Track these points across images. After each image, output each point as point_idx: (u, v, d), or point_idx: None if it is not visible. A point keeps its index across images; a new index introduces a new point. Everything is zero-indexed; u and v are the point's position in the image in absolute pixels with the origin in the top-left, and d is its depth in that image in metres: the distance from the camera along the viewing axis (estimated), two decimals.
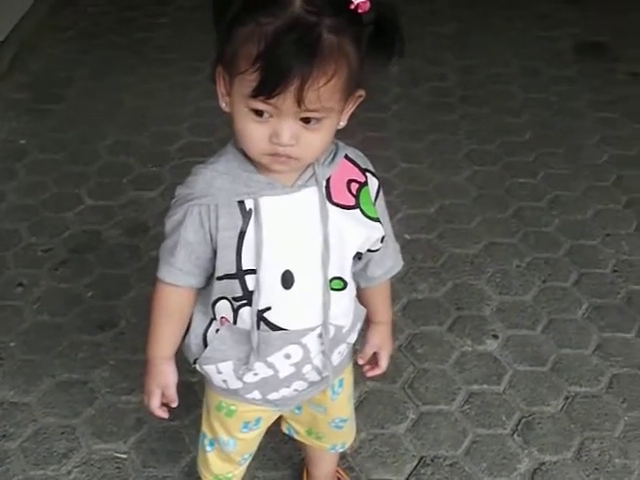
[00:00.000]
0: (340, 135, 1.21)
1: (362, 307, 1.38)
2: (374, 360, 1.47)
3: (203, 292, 1.30)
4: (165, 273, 1.26)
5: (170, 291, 1.28)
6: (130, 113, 3.23)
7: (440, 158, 2.98)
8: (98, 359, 2.10)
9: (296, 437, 1.60)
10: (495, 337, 2.19)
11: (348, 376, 1.49)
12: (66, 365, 2.09)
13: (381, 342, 1.46)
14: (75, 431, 1.92)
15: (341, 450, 1.65)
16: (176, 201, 1.22)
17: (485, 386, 2.04)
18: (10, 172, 2.86)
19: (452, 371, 2.08)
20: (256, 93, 1.06)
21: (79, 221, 2.62)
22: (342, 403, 1.50)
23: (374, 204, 1.28)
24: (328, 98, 1.08)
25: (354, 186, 1.24)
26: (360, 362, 1.48)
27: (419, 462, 1.85)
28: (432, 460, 1.86)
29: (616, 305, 2.30)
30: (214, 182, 1.19)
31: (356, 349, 1.47)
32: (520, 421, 1.95)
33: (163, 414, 1.38)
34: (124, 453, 1.87)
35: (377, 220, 1.26)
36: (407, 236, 2.56)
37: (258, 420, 1.43)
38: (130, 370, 2.06)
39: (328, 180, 1.22)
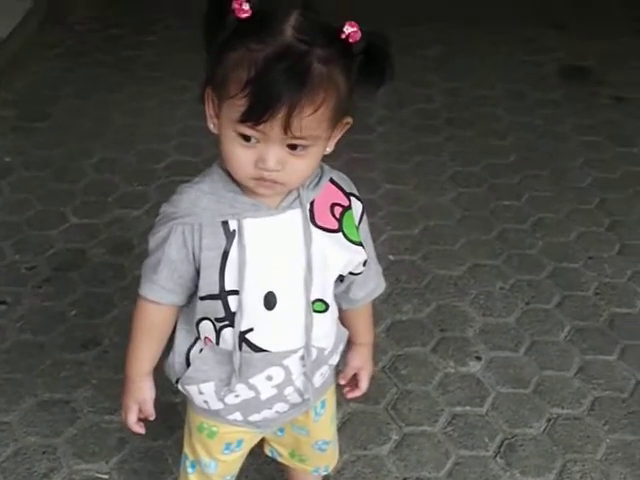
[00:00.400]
0: (325, 156, 1.22)
1: (344, 329, 1.38)
2: (354, 381, 1.48)
3: (187, 310, 1.30)
4: (147, 290, 1.26)
5: (152, 308, 1.28)
6: (117, 131, 3.24)
7: (425, 179, 3.00)
8: (81, 378, 2.09)
9: (279, 459, 1.60)
10: (478, 359, 2.19)
11: (331, 397, 1.49)
12: (48, 384, 2.07)
13: (362, 363, 1.46)
14: (56, 451, 1.91)
15: (324, 473, 1.65)
16: (161, 219, 1.23)
17: (468, 408, 2.05)
18: None
19: (435, 392, 2.09)
20: (244, 119, 1.07)
21: (63, 239, 2.62)
22: (325, 425, 1.50)
23: (358, 227, 1.28)
24: (315, 127, 1.09)
25: (337, 210, 1.25)
26: (341, 382, 1.48)
27: None
28: None
29: (598, 328, 2.31)
30: (198, 202, 1.19)
31: (338, 370, 1.47)
32: (502, 443, 1.95)
33: (140, 429, 1.39)
34: (106, 474, 1.86)
35: (359, 244, 1.27)
36: (391, 257, 2.57)
37: (240, 442, 1.43)
38: (113, 389, 2.04)
39: (312, 203, 1.22)
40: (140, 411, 1.37)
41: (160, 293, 1.25)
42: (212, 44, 1.11)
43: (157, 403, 1.96)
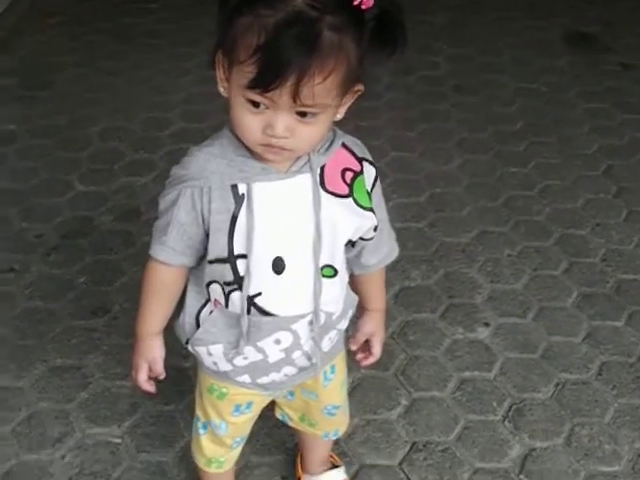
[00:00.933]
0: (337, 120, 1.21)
1: (354, 295, 1.39)
2: (367, 348, 1.48)
3: (197, 272, 1.30)
4: (157, 251, 1.26)
5: (161, 269, 1.28)
6: (120, 99, 3.22)
7: (431, 147, 2.99)
8: (91, 344, 2.10)
9: (290, 423, 1.61)
10: (486, 325, 2.20)
11: (340, 362, 1.49)
12: (59, 350, 2.08)
13: (374, 329, 1.47)
14: (69, 416, 1.92)
15: (334, 437, 1.66)
16: (171, 181, 1.23)
17: (476, 373, 2.06)
18: (0, 158, 2.84)
19: (444, 358, 2.10)
20: (253, 85, 1.06)
21: (70, 207, 2.61)
22: (334, 389, 1.50)
23: (370, 192, 1.28)
24: (325, 95, 1.08)
25: (348, 175, 1.24)
26: (352, 348, 1.49)
27: (411, 448, 1.87)
28: (424, 446, 1.87)
29: (605, 294, 2.32)
30: (208, 165, 1.19)
31: (349, 336, 1.47)
32: (511, 407, 1.96)
33: (150, 388, 1.40)
34: (118, 438, 1.88)
35: (370, 210, 1.26)
36: (398, 224, 2.56)
37: (249, 404, 1.44)
38: (123, 355, 2.06)
39: (323, 168, 1.22)
40: (150, 370, 1.38)
41: (170, 254, 1.26)
42: (223, 8, 1.10)
43: (168, 368, 1.98)
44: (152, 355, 1.37)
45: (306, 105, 1.08)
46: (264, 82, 1.05)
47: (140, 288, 1.32)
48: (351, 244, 1.32)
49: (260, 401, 1.47)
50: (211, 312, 1.30)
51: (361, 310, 1.45)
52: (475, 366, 2.08)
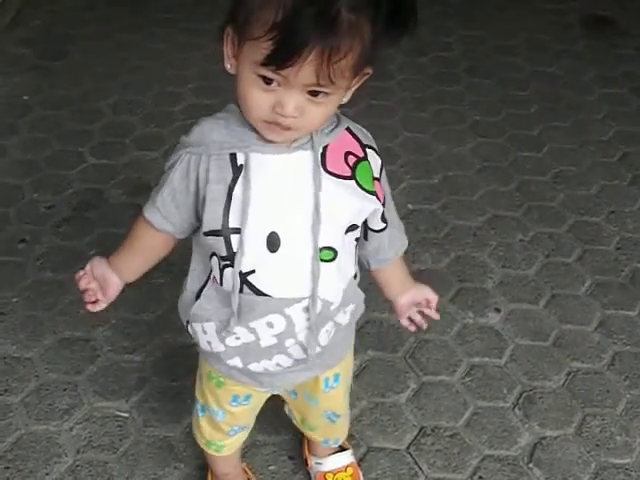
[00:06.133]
0: (343, 103, 1.19)
1: (359, 290, 1.35)
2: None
3: (199, 250, 1.28)
4: (146, 208, 1.26)
5: (145, 228, 1.28)
6: (133, 72, 3.20)
7: (444, 128, 2.97)
8: (100, 317, 2.08)
9: (294, 422, 1.61)
10: (497, 310, 2.19)
11: (345, 371, 1.48)
12: (68, 322, 2.08)
13: (412, 299, 1.46)
14: (77, 388, 1.92)
15: (334, 446, 1.67)
16: (176, 146, 1.22)
17: (486, 359, 2.05)
18: (12, 128, 2.83)
19: (454, 343, 2.09)
20: (268, 62, 1.04)
21: (81, 179, 2.60)
22: (336, 397, 1.49)
23: (376, 179, 1.26)
24: (339, 75, 1.06)
25: (351, 159, 1.23)
26: (412, 329, 1.51)
27: (419, 432, 1.86)
28: (432, 430, 1.87)
29: (619, 282, 2.30)
30: (210, 133, 1.18)
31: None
32: (521, 395, 1.95)
33: (90, 299, 1.35)
34: (126, 412, 1.88)
35: (373, 193, 1.24)
36: (410, 206, 2.56)
37: (248, 396, 1.43)
38: (132, 329, 2.06)
39: (325, 148, 1.20)
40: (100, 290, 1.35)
41: (156, 215, 1.25)
42: None
43: (176, 346, 2.00)
44: (106, 278, 1.34)
45: (320, 84, 1.06)
46: (280, 59, 1.03)
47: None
48: (364, 237, 1.30)
49: (259, 396, 1.45)
50: (209, 289, 1.28)
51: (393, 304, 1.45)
52: (485, 352, 2.07)
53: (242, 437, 1.56)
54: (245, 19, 1.06)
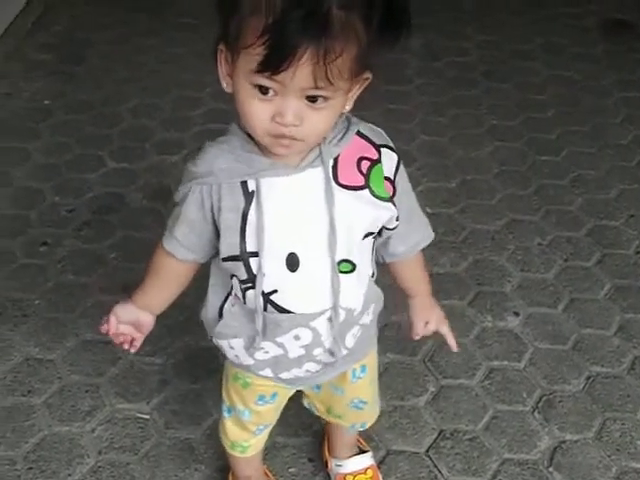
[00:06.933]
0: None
1: (377, 289, 1.35)
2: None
3: (218, 266, 1.28)
4: (166, 240, 1.27)
5: (167, 260, 1.29)
6: (152, 77, 3.22)
7: (462, 132, 2.97)
8: None
9: (316, 413, 1.62)
10: (516, 314, 2.19)
11: (371, 361, 1.49)
12: (90, 325, 2.09)
13: (420, 315, 1.47)
14: (99, 390, 1.94)
15: (361, 429, 1.66)
16: (184, 176, 1.22)
17: (506, 362, 2.05)
18: (34, 132, 2.86)
19: (473, 346, 2.09)
20: (262, 68, 1.02)
21: (102, 183, 2.63)
22: (363, 387, 1.49)
23: (393, 180, 1.24)
24: (337, 75, 1.04)
25: (365, 164, 1.21)
26: (416, 338, 1.50)
27: (439, 435, 1.86)
28: (452, 434, 1.87)
29: (639, 286, 2.29)
30: (217, 161, 1.17)
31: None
32: (541, 399, 1.95)
33: (127, 341, 1.37)
34: (147, 414, 1.89)
35: (388, 200, 1.22)
36: (428, 210, 2.56)
37: (274, 395, 1.44)
38: (153, 332, 2.05)
39: (336, 160, 1.18)
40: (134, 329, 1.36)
41: (175, 247, 1.26)
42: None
43: (197, 348, 2.01)
44: (140, 320, 1.35)
45: (318, 87, 1.04)
46: (273, 64, 1.01)
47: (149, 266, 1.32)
48: (372, 235, 1.29)
49: (285, 393, 1.46)
50: (233, 305, 1.29)
51: (407, 300, 1.44)
52: (504, 355, 2.07)
53: (266, 435, 1.57)
54: (237, 29, 1.05)
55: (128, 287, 2.16)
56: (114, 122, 2.93)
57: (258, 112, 1.08)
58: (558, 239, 2.46)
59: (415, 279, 1.45)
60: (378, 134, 1.24)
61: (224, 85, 1.14)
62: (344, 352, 1.31)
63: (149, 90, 3.12)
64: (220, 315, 1.32)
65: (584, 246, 2.44)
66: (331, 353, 1.30)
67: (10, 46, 3.32)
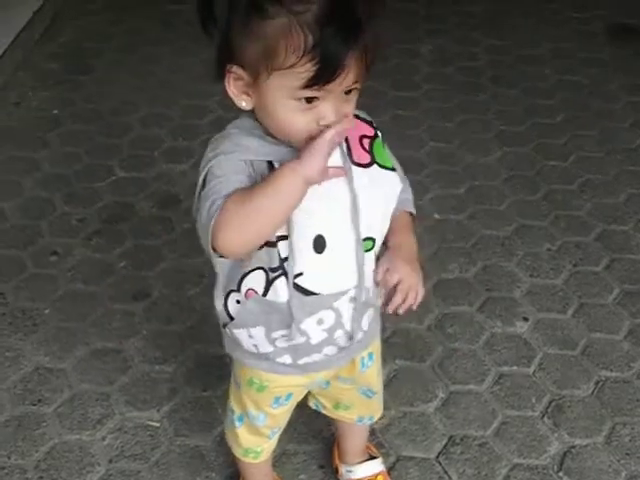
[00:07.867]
0: (369, 113, 1.25)
1: None
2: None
3: (223, 265, 1.28)
4: (224, 199, 1.13)
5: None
6: (160, 86, 3.24)
7: (470, 138, 2.97)
8: (131, 329, 2.12)
9: (323, 411, 1.62)
10: (525, 319, 2.19)
11: (377, 350, 1.50)
12: (100, 334, 2.11)
13: (385, 260, 1.29)
14: (109, 398, 1.95)
15: (369, 423, 1.66)
16: (202, 161, 1.19)
17: (515, 368, 2.05)
18: (43, 142, 2.88)
19: (482, 352, 2.09)
20: (314, 82, 1.07)
21: (111, 192, 2.64)
22: (371, 375, 1.51)
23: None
24: (371, 63, 1.12)
25: (366, 142, 1.26)
26: (377, 279, 1.29)
27: (448, 441, 1.86)
28: (461, 439, 1.87)
29: None
30: (239, 139, 1.18)
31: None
32: (550, 404, 1.95)
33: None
34: (157, 422, 1.90)
35: (392, 169, 1.28)
36: (437, 216, 2.56)
37: (289, 395, 1.45)
38: (163, 340, 2.08)
39: (346, 140, 1.23)
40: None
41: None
42: (230, 19, 1.11)
43: (206, 355, 2.02)
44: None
45: (357, 82, 1.11)
46: (326, 76, 1.07)
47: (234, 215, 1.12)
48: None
49: (299, 392, 1.48)
50: (238, 302, 1.28)
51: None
52: (514, 361, 2.07)
53: (277, 439, 1.58)
54: (267, 53, 1.08)
55: (137, 295, 2.22)
56: (123, 131, 2.94)
57: (300, 122, 1.12)
58: (567, 244, 2.46)
59: (399, 234, 1.33)
60: (364, 113, 1.30)
61: (242, 104, 1.16)
62: (360, 335, 1.33)
63: (157, 99, 3.14)
64: (227, 311, 1.31)
65: (593, 251, 2.44)
66: (349, 336, 1.32)
67: (19, 56, 3.34)
